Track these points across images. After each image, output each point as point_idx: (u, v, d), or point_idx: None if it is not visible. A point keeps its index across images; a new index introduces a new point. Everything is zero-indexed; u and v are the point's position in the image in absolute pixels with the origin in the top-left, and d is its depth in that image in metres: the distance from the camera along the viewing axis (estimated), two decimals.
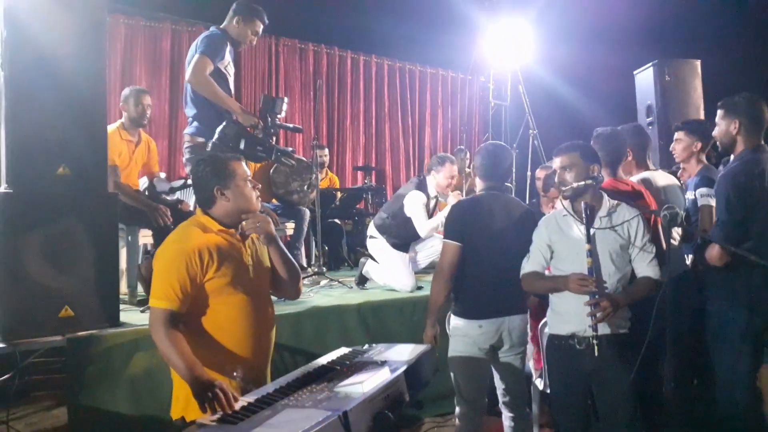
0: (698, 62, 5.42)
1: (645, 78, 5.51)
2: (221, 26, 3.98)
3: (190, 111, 3.87)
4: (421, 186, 4.57)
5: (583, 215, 2.61)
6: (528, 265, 2.77)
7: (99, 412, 2.86)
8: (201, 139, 3.76)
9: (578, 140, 2.79)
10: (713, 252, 2.88)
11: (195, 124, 3.82)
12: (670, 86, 5.29)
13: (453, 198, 4.51)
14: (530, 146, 7.04)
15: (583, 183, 2.63)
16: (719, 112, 3.05)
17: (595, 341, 2.50)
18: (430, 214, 4.66)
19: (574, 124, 6.75)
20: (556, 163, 2.74)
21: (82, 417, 2.86)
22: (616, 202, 2.71)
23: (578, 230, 2.65)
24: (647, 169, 3.36)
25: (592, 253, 2.59)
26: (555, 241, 2.72)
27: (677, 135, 3.46)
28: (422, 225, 4.46)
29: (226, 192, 2.31)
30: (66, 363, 2.94)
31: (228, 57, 3.91)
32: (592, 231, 2.60)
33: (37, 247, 2.84)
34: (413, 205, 4.49)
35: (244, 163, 2.41)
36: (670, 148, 3.50)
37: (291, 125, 4.85)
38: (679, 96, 5.30)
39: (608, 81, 7.03)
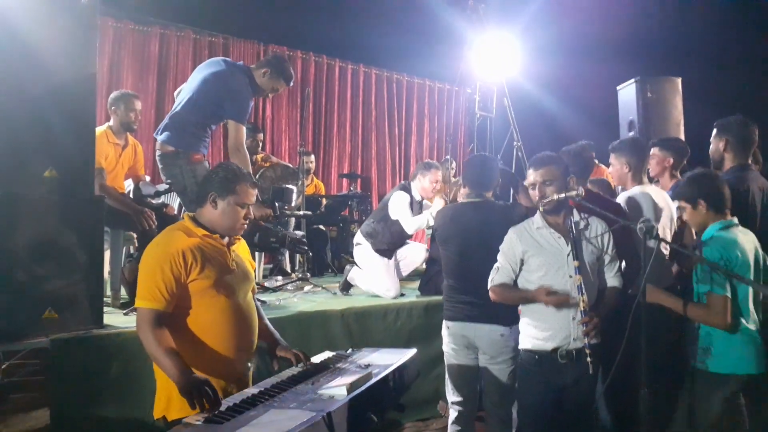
0: (679, 80, 5.51)
1: (627, 93, 5.59)
2: (251, 66, 3.97)
3: (169, 122, 3.81)
4: (406, 189, 4.65)
5: (571, 231, 2.63)
6: (498, 277, 2.75)
7: (81, 412, 2.86)
8: (171, 148, 3.74)
9: (552, 152, 2.81)
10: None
11: (167, 133, 3.77)
12: (651, 102, 5.36)
13: (439, 202, 4.56)
14: (514, 158, 7.13)
15: (564, 195, 2.62)
16: (713, 131, 3.19)
17: (589, 359, 2.53)
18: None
19: (558, 136, 6.82)
20: (535, 176, 2.70)
21: (64, 418, 2.85)
22: (586, 215, 2.73)
23: (557, 243, 2.66)
24: (641, 182, 3.40)
25: (581, 269, 2.59)
26: (530, 254, 2.69)
27: (652, 151, 3.57)
28: (408, 222, 4.50)
29: (218, 202, 2.36)
30: (49, 364, 2.93)
31: None
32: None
33: (22, 248, 2.85)
34: (398, 204, 4.54)
35: (254, 192, 2.46)
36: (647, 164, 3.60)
37: (301, 212, 5.03)
38: (660, 112, 5.38)
39: (592, 95, 7.15)
